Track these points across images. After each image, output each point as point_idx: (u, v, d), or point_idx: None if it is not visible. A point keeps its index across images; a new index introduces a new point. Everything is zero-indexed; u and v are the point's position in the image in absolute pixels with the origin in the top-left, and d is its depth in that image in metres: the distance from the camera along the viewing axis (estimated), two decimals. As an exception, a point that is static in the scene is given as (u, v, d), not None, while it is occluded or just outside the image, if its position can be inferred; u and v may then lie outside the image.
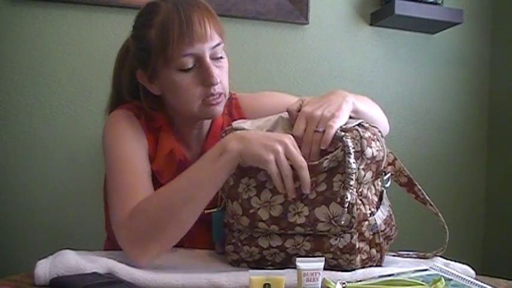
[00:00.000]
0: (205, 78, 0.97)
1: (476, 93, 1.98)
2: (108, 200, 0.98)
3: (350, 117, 0.93)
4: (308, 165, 0.84)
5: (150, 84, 1.04)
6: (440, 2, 1.78)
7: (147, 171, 1.00)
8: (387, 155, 0.94)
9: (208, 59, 0.97)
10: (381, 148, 0.90)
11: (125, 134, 1.02)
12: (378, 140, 0.90)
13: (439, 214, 0.99)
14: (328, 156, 0.85)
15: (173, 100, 1.03)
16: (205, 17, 0.97)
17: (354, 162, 0.84)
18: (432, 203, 0.99)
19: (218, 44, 0.99)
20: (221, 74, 1.00)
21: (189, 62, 0.96)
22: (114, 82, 1.15)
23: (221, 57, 1.01)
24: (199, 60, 0.97)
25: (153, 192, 0.93)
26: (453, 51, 1.95)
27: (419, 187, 0.99)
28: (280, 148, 0.83)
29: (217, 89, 0.99)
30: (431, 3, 1.76)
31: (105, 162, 1.02)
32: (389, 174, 0.94)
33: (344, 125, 0.89)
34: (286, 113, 0.95)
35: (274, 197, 0.87)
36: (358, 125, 0.90)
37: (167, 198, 0.88)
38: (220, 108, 1.02)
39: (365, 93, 1.81)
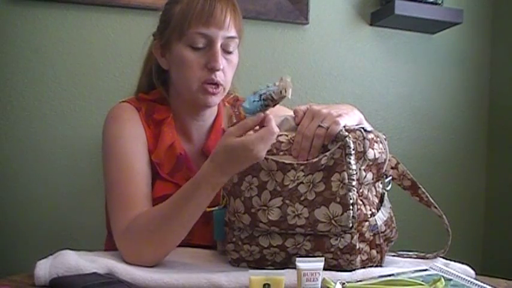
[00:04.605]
0: (210, 61, 1.01)
1: (476, 93, 1.98)
2: (108, 207, 1.01)
3: None
4: (307, 163, 0.85)
5: (161, 57, 1.09)
6: (440, 2, 1.77)
7: (146, 174, 1.02)
8: (390, 159, 0.94)
9: (218, 45, 1.01)
10: (383, 151, 0.90)
11: (125, 131, 1.04)
12: (380, 142, 0.91)
13: (444, 217, 0.99)
14: (326, 154, 0.85)
15: (176, 76, 1.07)
16: (229, 8, 1.03)
17: (355, 164, 0.84)
18: (436, 206, 0.99)
19: (233, 37, 1.03)
20: (227, 67, 1.04)
21: (200, 42, 1.01)
22: (142, 69, 1.19)
23: (232, 52, 1.05)
24: (210, 43, 1.01)
25: (146, 212, 0.94)
26: (453, 51, 1.95)
27: (423, 190, 0.99)
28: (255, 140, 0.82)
29: (219, 77, 1.02)
30: (431, 3, 1.76)
31: (103, 159, 1.04)
32: (390, 178, 0.94)
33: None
34: (293, 114, 0.95)
35: (272, 201, 0.86)
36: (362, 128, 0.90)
37: (157, 218, 0.90)
38: (215, 100, 1.05)
39: (365, 93, 1.85)
